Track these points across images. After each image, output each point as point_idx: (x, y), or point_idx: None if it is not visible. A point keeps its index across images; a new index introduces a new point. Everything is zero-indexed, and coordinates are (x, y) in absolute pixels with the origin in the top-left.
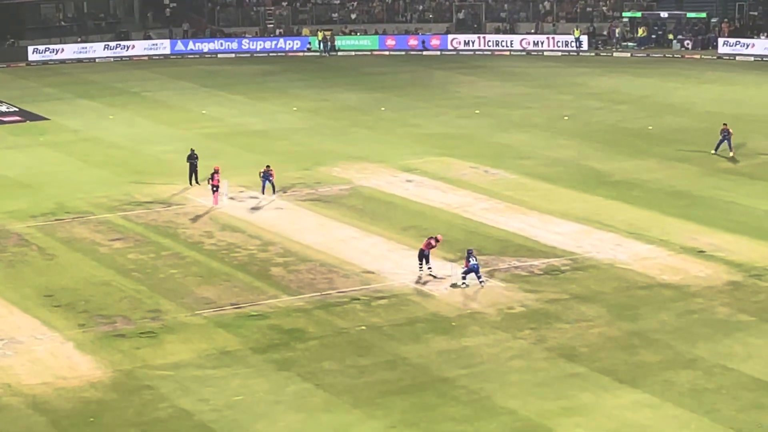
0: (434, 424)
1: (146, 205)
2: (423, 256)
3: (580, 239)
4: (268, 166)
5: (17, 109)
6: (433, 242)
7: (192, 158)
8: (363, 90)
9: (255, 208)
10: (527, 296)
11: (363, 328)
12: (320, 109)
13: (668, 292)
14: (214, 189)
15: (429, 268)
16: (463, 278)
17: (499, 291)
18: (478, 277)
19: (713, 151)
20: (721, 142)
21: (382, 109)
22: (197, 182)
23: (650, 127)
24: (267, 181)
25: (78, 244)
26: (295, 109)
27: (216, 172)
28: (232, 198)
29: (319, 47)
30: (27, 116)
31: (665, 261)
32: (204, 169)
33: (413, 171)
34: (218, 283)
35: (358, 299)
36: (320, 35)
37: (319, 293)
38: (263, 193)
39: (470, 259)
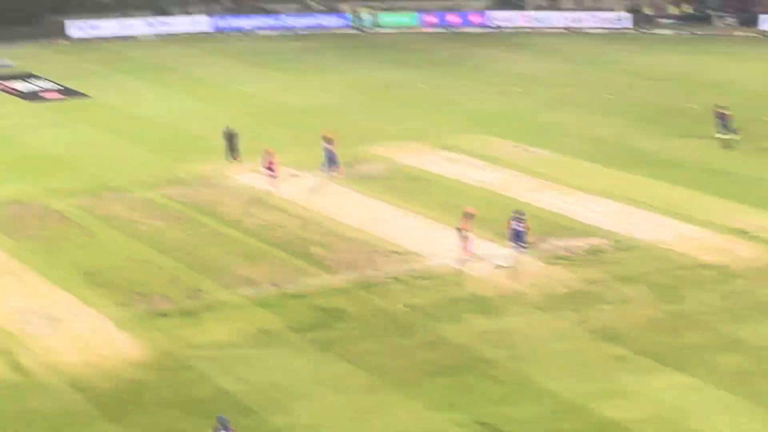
0: (474, 405)
1: (186, 182)
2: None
3: (621, 219)
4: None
5: (58, 86)
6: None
7: (229, 135)
8: (402, 67)
9: (296, 186)
10: (569, 276)
11: (404, 308)
12: (360, 87)
13: (711, 273)
14: (270, 172)
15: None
16: (522, 245)
17: (540, 271)
18: (519, 244)
19: (727, 135)
20: (723, 124)
21: (421, 86)
22: (236, 159)
23: (693, 106)
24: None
25: (118, 222)
26: (335, 86)
27: (269, 154)
28: (295, 175)
29: (355, 23)
30: (68, 93)
31: (708, 241)
32: (247, 147)
33: (452, 149)
34: (258, 261)
35: (399, 279)
36: (351, 10)
37: (359, 273)
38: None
39: (512, 222)
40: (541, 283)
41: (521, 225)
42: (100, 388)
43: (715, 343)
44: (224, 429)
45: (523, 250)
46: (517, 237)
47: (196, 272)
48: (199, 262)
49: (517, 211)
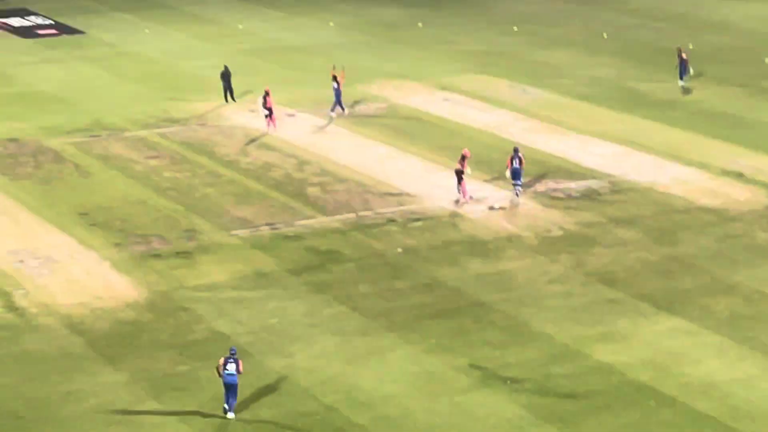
0: (470, 348)
1: (182, 121)
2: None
3: (618, 161)
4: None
5: (53, 22)
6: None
7: (226, 75)
8: (400, 5)
9: (292, 126)
10: (565, 219)
11: (399, 250)
12: (357, 25)
13: (707, 216)
14: (268, 113)
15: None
16: (516, 185)
17: (537, 213)
18: (515, 185)
19: (680, 82)
20: (682, 68)
21: (419, 25)
22: (233, 99)
23: (691, 46)
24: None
25: (114, 162)
26: (331, 24)
27: (267, 94)
28: (291, 114)
29: None
30: (62, 29)
31: (705, 184)
32: (243, 87)
33: (450, 89)
34: (254, 202)
35: (395, 221)
36: None
37: (355, 214)
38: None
39: (514, 161)
40: (537, 225)
41: (519, 163)
42: (96, 329)
43: (710, 286)
44: (232, 357)
45: (518, 190)
46: (515, 176)
47: (191, 213)
48: (195, 202)
49: (516, 149)
